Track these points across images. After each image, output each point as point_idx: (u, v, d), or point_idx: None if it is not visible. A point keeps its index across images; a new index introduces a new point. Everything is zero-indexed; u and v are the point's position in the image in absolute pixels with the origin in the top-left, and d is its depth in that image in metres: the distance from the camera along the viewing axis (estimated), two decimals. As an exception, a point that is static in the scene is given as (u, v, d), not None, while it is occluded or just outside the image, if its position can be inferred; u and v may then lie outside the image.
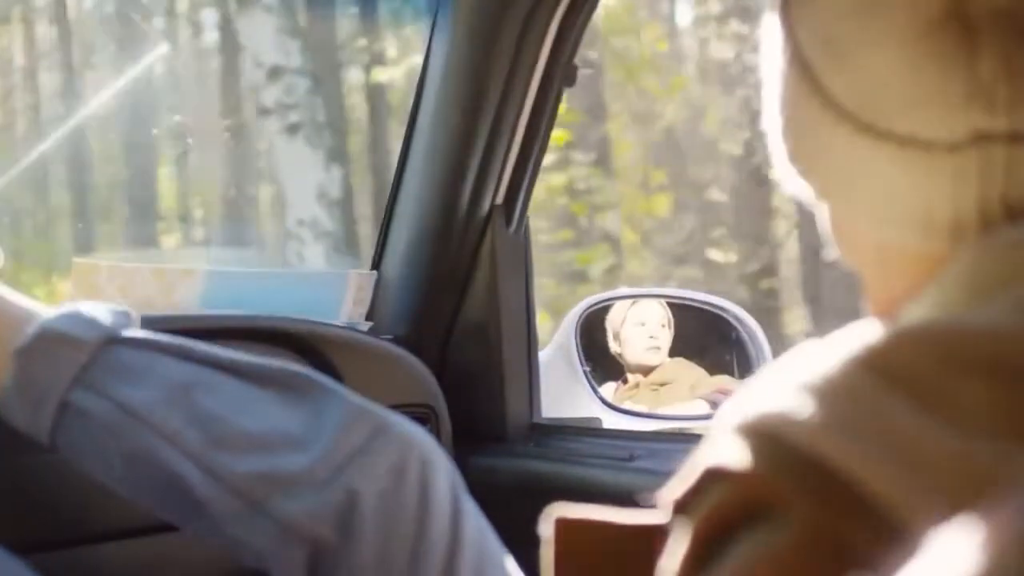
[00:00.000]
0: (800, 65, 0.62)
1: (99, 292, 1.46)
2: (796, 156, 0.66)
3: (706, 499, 0.51)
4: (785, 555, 0.47)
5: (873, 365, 0.50)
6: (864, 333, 0.53)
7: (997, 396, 0.47)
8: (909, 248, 0.62)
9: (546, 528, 0.65)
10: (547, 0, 1.43)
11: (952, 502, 0.44)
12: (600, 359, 1.93)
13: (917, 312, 0.56)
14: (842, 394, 0.50)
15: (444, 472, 1.07)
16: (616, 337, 1.98)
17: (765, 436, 0.50)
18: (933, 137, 0.57)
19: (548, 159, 1.46)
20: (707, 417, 1.79)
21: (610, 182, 8.42)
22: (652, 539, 0.56)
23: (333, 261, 7.00)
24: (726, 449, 0.51)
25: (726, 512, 0.50)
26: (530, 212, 1.59)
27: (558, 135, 5.39)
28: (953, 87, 0.56)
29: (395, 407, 1.42)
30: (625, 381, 1.98)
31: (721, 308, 1.92)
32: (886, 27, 0.58)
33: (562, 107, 1.50)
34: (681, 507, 0.52)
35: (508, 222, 1.58)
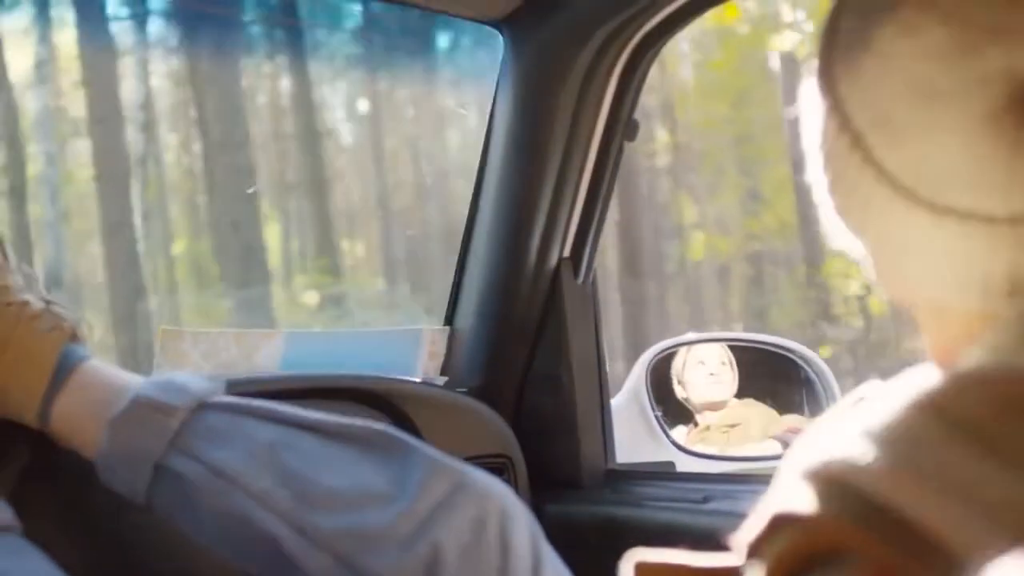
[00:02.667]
0: (851, 136, 0.64)
1: (185, 358, 1.51)
2: (845, 214, 0.68)
3: (776, 543, 0.53)
4: None
5: (934, 411, 0.52)
6: (924, 379, 0.55)
7: None
8: (963, 306, 0.64)
9: (625, 573, 0.67)
10: (605, 59, 1.47)
11: (1020, 545, 0.45)
12: (670, 405, 1.95)
13: (975, 358, 0.58)
14: (906, 440, 0.52)
15: (524, 523, 1.09)
16: (680, 382, 2.00)
17: (832, 481, 0.52)
18: (993, 212, 0.59)
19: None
20: (779, 457, 1.80)
21: None
22: None
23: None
24: (795, 494, 0.53)
25: (797, 555, 0.52)
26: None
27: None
28: (1015, 166, 0.58)
29: (472, 458, 1.45)
30: (695, 424, 2.00)
31: (787, 349, 1.94)
32: (947, 114, 0.60)
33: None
34: (754, 550, 0.55)
35: (576, 273, 1.61)
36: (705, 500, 1.43)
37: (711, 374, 1.99)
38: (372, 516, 1.05)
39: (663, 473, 1.65)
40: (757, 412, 1.98)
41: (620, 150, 1.56)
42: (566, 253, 1.61)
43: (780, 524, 0.54)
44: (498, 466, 1.53)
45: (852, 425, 0.55)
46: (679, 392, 2.01)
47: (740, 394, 2.00)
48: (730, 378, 2.01)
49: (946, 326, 0.68)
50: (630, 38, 1.46)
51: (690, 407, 2.01)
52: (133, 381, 1.15)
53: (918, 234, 0.62)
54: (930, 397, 0.53)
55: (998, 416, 0.51)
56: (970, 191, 0.60)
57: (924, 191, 0.61)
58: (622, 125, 1.54)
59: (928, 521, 0.48)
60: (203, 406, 1.12)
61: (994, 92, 0.59)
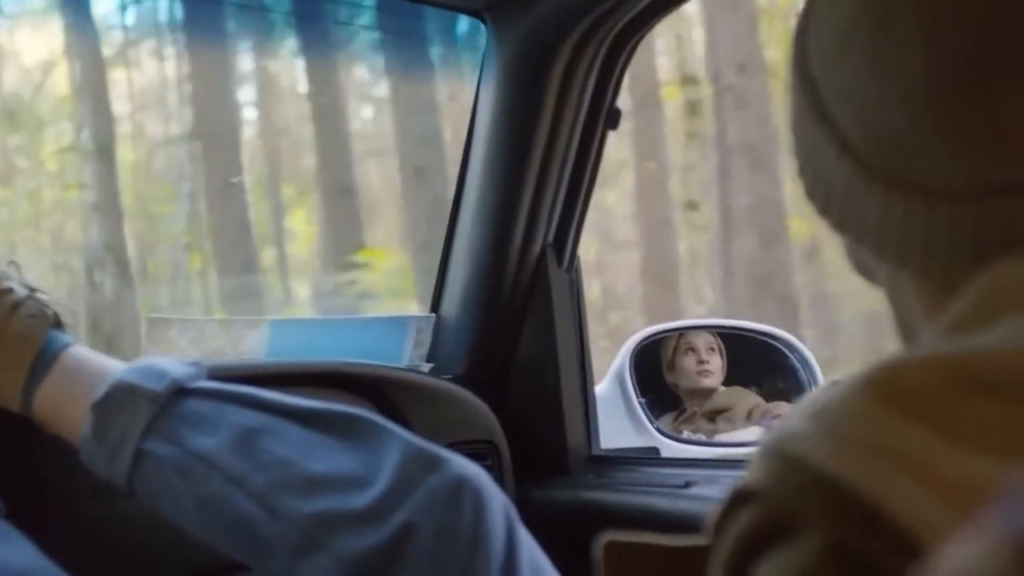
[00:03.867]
0: (818, 113, 0.66)
1: (171, 345, 1.52)
2: (813, 194, 0.69)
3: (736, 519, 0.54)
4: (809, 572, 0.50)
5: (883, 389, 0.53)
6: (877, 359, 0.56)
7: (1009, 416, 0.50)
8: (923, 280, 0.65)
9: (597, 552, 0.68)
10: (587, 48, 1.48)
11: (966, 518, 0.46)
12: (658, 391, 1.96)
13: (931, 336, 0.59)
14: (857, 418, 0.53)
15: (498, 505, 1.10)
16: (670, 367, 2.02)
17: (787, 459, 0.53)
18: (953, 188, 0.60)
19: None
20: (762, 443, 1.81)
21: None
22: (696, 560, 0.59)
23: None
24: (753, 472, 0.55)
25: (753, 532, 0.53)
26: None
27: None
28: (974, 144, 0.59)
29: (457, 444, 1.46)
30: (683, 411, 2.01)
31: (772, 336, 1.95)
32: (908, 87, 0.61)
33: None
34: (717, 528, 0.56)
35: (559, 261, 1.63)
36: (687, 485, 1.44)
37: (700, 362, 2.01)
38: (348, 499, 1.07)
39: (646, 459, 1.67)
40: (744, 398, 1.99)
41: (603, 138, 1.57)
42: (550, 240, 1.62)
43: (739, 501, 0.55)
44: (483, 452, 1.54)
45: (810, 405, 0.56)
46: (669, 378, 2.03)
47: (727, 381, 2.01)
48: (719, 365, 2.02)
49: (905, 302, 0.69)
50: (612, 27, 1.47)
51: (679, 393, 2.02)
52: (116, 367, 1.16)
53: (878, 210, 0.63)
54: (881, 376, 0.54)
55: (950, 394, 0.52)
56: (928, 167, 0.60)
57: (884, 165, 0.62)
58: (604, 113, 1.55)
59: (880, 497, 0.49)
60: (184, 391, 1.13)
61: (954, 67, 0.60)
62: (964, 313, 0.58)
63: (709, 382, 2.01)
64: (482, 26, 1.55)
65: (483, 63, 1.59)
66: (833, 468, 0.51)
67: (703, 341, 2.02)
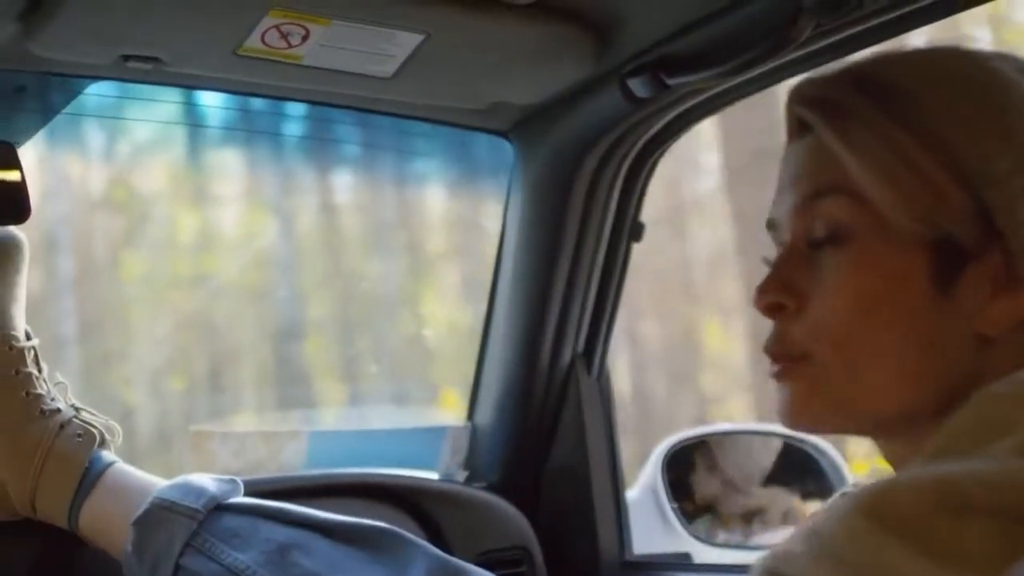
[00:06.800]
0: None
1: (214, 457, 1.57)
2: None
3: None
4: None
5: (870, 512, 0.56)
6: (869, 482, 0.59)
7: (998, 539, 0.53)
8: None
9: None
10: (609, 165, 1.53)
11: None
12: (692, 493, 1.96)
13: (920, 462, 0.62)
14: (845, 538, 0.56)
15: None
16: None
17: None
18: None
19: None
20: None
21: None
22: None
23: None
24: None
25: None
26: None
27: None
28: None
29: (492, 552, 1.50)
30: (718, 514, 2.01)
31: (801, 440, 1.95)
32: None
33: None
34: None
35: (589, 369, 1.66)
36: (717, 591, 1.46)
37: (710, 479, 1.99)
38: None
39: (678, 564, 1.68)
40: (779, 499, 1.98)
41: (628, 251, 1.62)
42: (579, 350, 1.66)
43: None
44: (517, 559, 1.56)
45: (806, 524, 0.59)
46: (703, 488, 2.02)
47: (764, 482, 2.01)
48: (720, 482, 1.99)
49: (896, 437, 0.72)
50: (633, 145, 1.52)
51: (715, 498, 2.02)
52: (156, 484, 1.21)
53: None
54: (871, 498, 0.57)
55: (937, 517, 0.54)
56: None
57: None
58: (628, 227, 1.60)
59: None
60: (220, 507, 1.18)
61: None
62: (953, 437, 0.61)
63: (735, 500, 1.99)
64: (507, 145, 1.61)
65: (510, 179, 1.64)
66: None
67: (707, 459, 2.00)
